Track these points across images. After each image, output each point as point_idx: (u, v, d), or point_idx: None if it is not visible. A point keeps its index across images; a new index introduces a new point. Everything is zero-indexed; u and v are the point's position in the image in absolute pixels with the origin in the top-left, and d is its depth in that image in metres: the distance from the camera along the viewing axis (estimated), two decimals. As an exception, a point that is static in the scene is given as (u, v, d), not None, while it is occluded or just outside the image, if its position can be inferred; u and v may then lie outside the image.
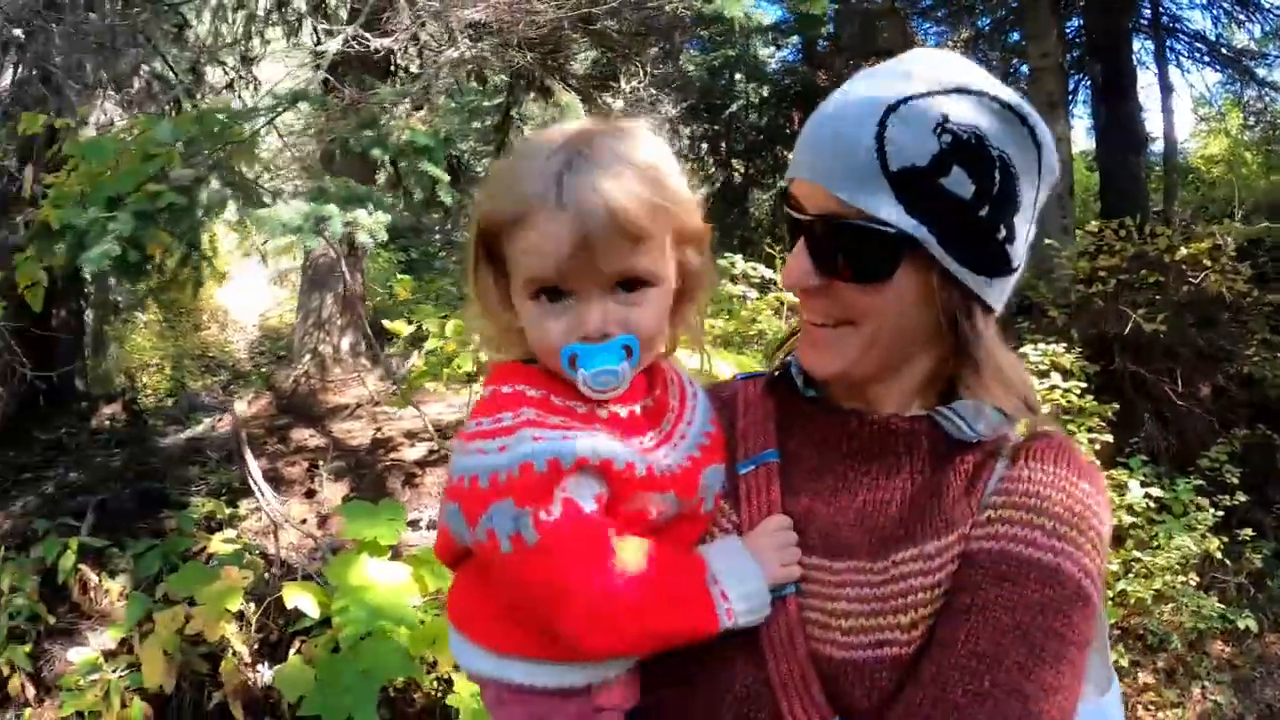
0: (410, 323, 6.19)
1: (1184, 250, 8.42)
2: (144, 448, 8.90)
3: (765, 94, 15.30)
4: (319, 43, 8.48)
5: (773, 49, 15.84)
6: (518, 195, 1.19)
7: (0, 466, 8.41)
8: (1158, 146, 15.94)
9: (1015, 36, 15.39)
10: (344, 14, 8.45)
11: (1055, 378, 6.77)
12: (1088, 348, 7.78)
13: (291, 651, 5.04)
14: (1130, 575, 6.23)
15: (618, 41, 9.04)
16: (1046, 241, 9.34)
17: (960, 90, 1.22)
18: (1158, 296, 8.48)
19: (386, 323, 6.43)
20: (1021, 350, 7.08)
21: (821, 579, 1.26)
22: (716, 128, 14.52)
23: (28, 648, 5.73)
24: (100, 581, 6.32)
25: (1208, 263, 8.43)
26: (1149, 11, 14.42)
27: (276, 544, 6.22)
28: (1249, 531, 6.81)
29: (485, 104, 10.85)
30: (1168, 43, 14.88)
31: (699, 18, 6.36)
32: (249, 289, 17.63)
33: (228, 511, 6.89)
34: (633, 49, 9.50)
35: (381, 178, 8.70)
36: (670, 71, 11.51)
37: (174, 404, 12.19)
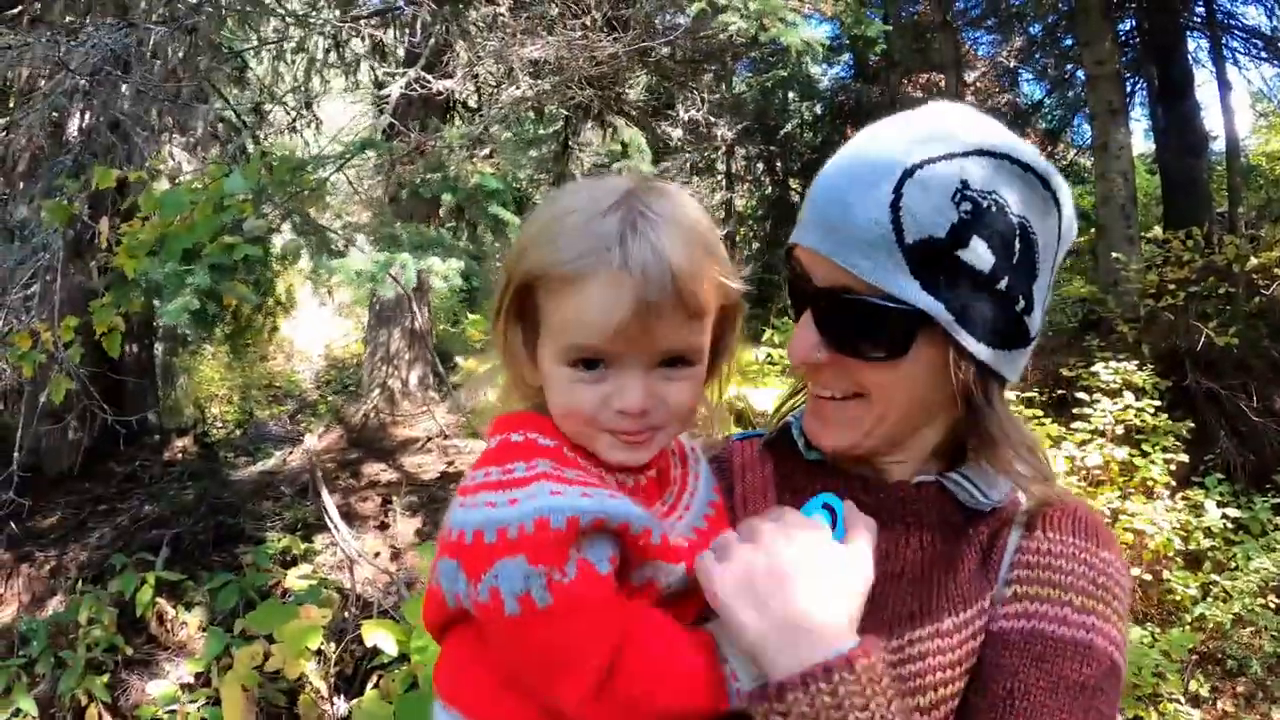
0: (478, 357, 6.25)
1: (1254, 260, 8.21)
2: (216, 480, 9.11)
3: (819, 111, 15.24)
4: (378, 81, 8.64)
5: (824, 66, 15.77)
6: (573, 252, 1.09)
7: (77, 499, 8.67)
8: (1217, 145, 15.54)
9: (1068, 41, 15.14)
10: (401, 53, 8.60)
11: (1128, 396, 6.64)
12: (1159, 363, 7.63)
13: (369, 686, 5.11)
14: (1209, 599, 6.07)
15: (673, 70, 9.09)
16: (1113, 255, 9.18)
17: (980, 152, 1.16)
18: (1228, 307, 8.29)
19: (461, 360, 6.50)
20: (1092, 369, 6.97)
21: None
22: (772, 148, 14.45)
23: (105, 678, 5.89)
24: (177, 614, 6.48)
25: (1279, 271, 8.21)
26: (1203, 9, 14.10)
27: (352, 579, 6.32)
28: (1332, 550, 6.58)
29: (542, 133, 10.93)
30: (1223, 40, 14.51)
31: (753, 40, 6.36)
32: (313, 319, 17.94)
33: (303, 547, 7.02)
34: (688, 76, 9.54)
35: (442, 210, 8.84)
36: (724, 95, 11.50)
37: (243, 434, 12.46)
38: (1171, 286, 8.21)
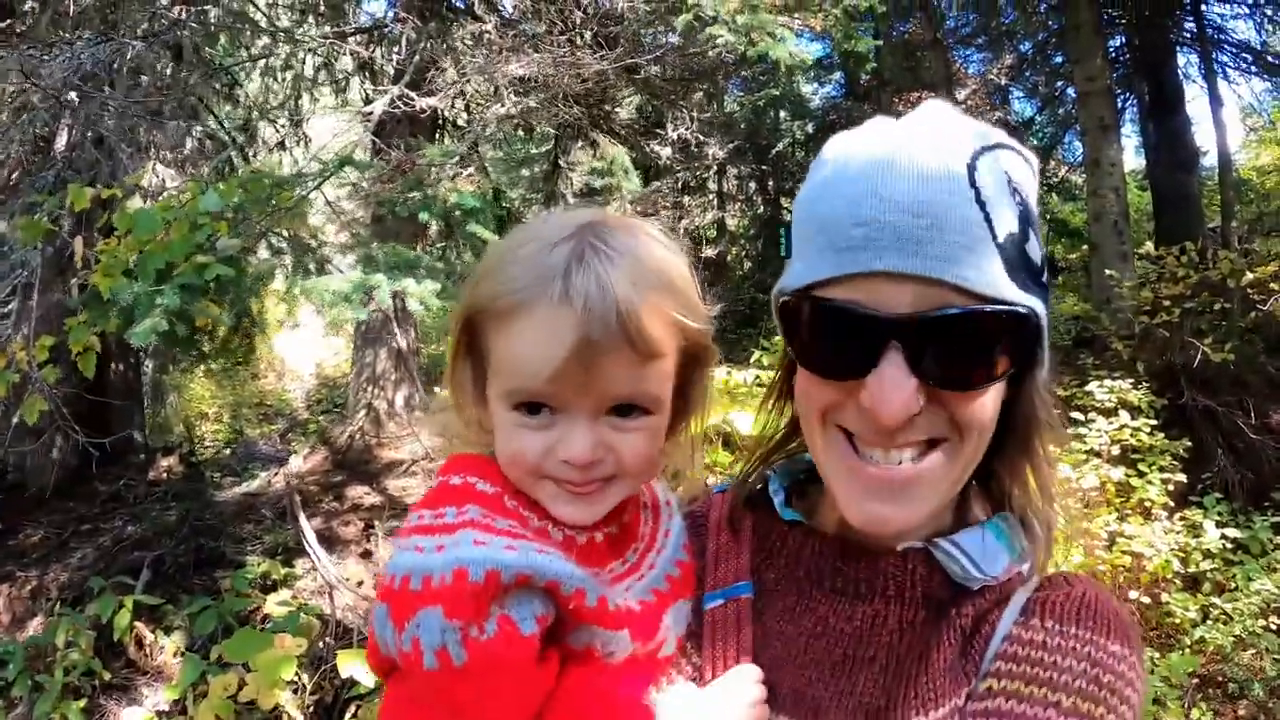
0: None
1: (1249, 274, 8.16)
2: (200, 501, 9.00)
3: (810, 130, 15.24)
4: (368, 100, 8.59)
5: (815, 85, 15.79)
6: (517, 283, 1.00)
7: (60, 518, 8.56)
8: (1206, 161, 15.57)
9: (1059, 59, 15.19)
10: (390, 72, 8.57)
11: (1124, 415, 6.55)
12: (1154, 380, 7.55)
13: (347, 716, 5.00)
14: (1208, 621, 5.97)
15: (662, 88, 9.05)
16: (1106, 271, 9.13)
17: (1000, 145, 1.04)
18: (1223, 323, 8.23)
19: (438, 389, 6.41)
20: (1087, 388, 6.89)
21: None
22: (764, 167, 14.46)
23: (82, 703, 5.79)
24: (155, 639, 6.38)
25: (1275, 286, 8.15)
26: (1193, 25, 14.14)
27: (332, 605, 6.21)
28: (1334, 570, 6.49)
29: (533, 152, 10.89)
30: (1213, 54, 14.55)
31: (743, 58, 6.31)
32: (305, 338, 17.91)
33: (283, 572, 6.91)
34: (677, 94, 9.50)
35: (433, 229, 8.78)
36: (715, 114, 11.48)
37: (232, 454, 12.36)
38: (1166, 303, 8.15)
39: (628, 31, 7.99)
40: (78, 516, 8.64)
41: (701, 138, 10.64)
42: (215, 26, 7.56)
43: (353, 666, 4.34)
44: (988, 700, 0.98)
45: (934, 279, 0.95)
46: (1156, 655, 5.74)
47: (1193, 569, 6.11)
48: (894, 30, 14.28)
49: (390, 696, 1.11)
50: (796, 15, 7.28)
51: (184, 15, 6.53)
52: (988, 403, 1.02)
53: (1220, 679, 5.99)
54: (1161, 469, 6.44)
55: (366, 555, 7.35)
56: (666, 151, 10.31)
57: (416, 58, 7.06)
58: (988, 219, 0.96)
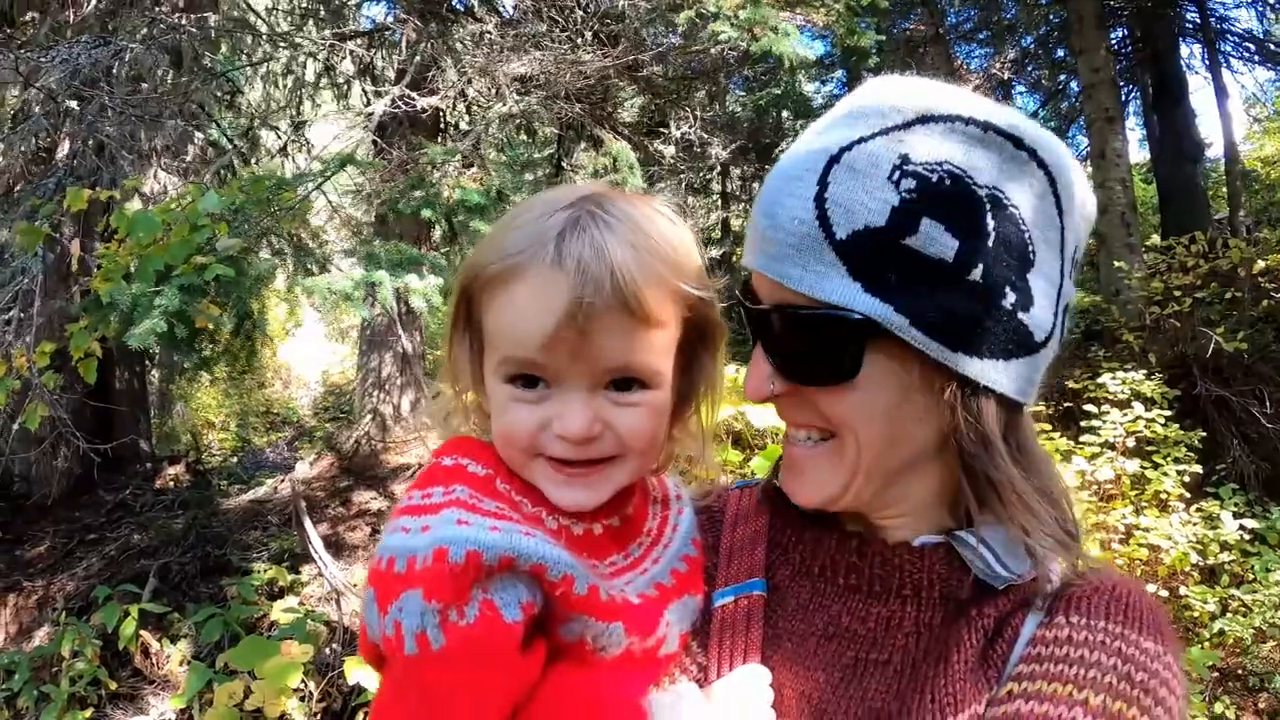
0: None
1: (1260, 263, 8.09)
2: (206, 509, 8.97)
3: (812, 130, 15.21)
4: (369, 104, 8.56)
5: (817, 84, 15.73)
6: (511, 248, 0.97)
7: (67, 528, 8.54)
8: (1211, 151, 15.48)
9: (1061, 53, 15.12)
10: (391, 74, 8.54)
11: (1138, 407, 6.48)
12: (1166, 371, 7.48)
13: (356, 723, 4.95)
14: (1227, 614, 5.88)
15: (664, 87, 9.01)
16: (1115, 263, 9.07)
17: (923, 119, 0.95)
18: (1234, 312, 8.16)
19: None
20: (1099, 380, 6.82)
21: None
22: (767, 166, 14.41)
23: (88, 713, 5.79)
24: (162, 647, 6.35)
25: (1286, 274, 8.10)
26: (1196, 15, 14.07)
27: (339, 611, 6.15)
28: (1353, 559, 6.40)
29: (536, 156, 10.85)
30: (1217, 44, 14.48)
31: (745, 56, 6.26)
32: (311, 346, 17.92)
33: (290, 578, 6.86)
34: (680, 93, 9.46)
35: (437, 232, 8.74)
36: (718, 114, 11.44)
37: (238, 462, 12.35)
38: (1176, 293, 8.08)
39: (629, 30, 7.95)
40: (84, 525, 8.62)
41: (704, 136, 10.58)
42: (215, 32, 7.53)
43: (360, 673, 4.28)
44: (1007, 704, 0.91)
45: (767, 276, 0.98)
46: (1176, 650, 5.66)
47: (1210, 560, 6.03)
48: (895, 27, 14.23)
49: (380, 688, 1.04)
50: (798, 10, 7.24)
51: (183, 21, 6.50)
52: (855, 404, 0.98)
53: (1239, 672, 5.91)
54: (1176, 460, 6.36)
55: (373, 560, 7.30)
56: (670, 150, 10.25)
57: (417, 58, 7.03)
58: (822, 215, 0.93)
